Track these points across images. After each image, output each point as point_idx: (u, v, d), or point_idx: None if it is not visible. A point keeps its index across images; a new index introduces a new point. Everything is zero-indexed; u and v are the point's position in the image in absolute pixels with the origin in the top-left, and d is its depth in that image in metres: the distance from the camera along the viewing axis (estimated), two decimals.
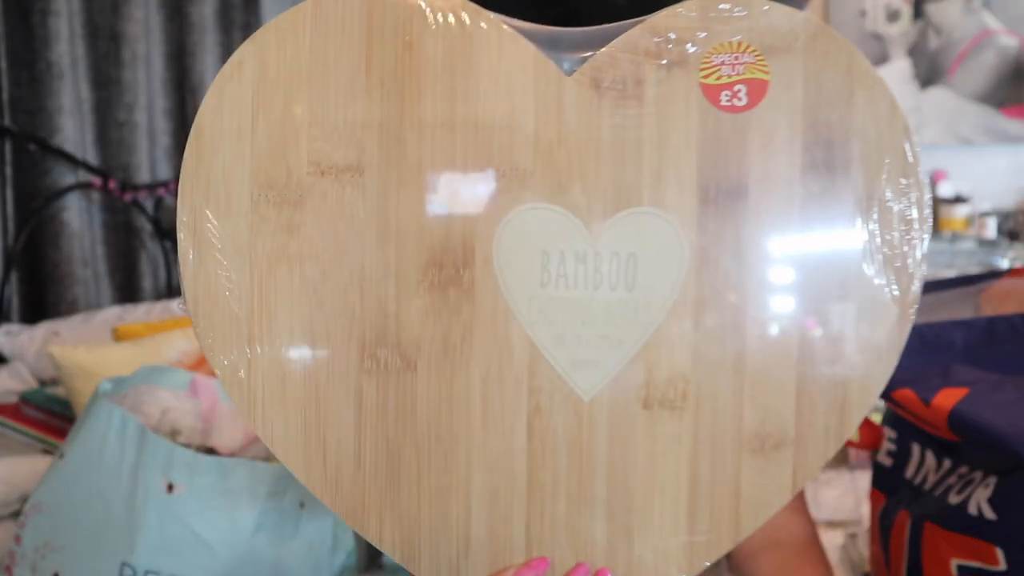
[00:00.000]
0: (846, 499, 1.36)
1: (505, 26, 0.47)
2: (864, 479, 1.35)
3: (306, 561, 0.95)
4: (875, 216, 0.46)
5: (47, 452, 1.36)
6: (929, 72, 2.97)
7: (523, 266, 0.47)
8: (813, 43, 0.46)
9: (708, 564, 0.48)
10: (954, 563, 0.68)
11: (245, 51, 0.46)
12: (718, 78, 0.46)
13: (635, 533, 0.47)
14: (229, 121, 0.46)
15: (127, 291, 2.18)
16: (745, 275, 0.47)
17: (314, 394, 0.47)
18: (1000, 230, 2.90)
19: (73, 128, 1.98)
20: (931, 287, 0.88)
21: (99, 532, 0.87)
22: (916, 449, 0.78)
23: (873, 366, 0.47)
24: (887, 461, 0.82)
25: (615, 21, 0.47)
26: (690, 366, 0.47)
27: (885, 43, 3.00)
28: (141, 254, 2.20)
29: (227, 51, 2.46)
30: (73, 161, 1.96)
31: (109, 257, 2.15)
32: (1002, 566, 0.65)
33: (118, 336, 1.58)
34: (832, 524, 1.26)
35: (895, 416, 0.81)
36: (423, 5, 0.46)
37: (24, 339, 1.69)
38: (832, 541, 1.17)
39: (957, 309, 0.84)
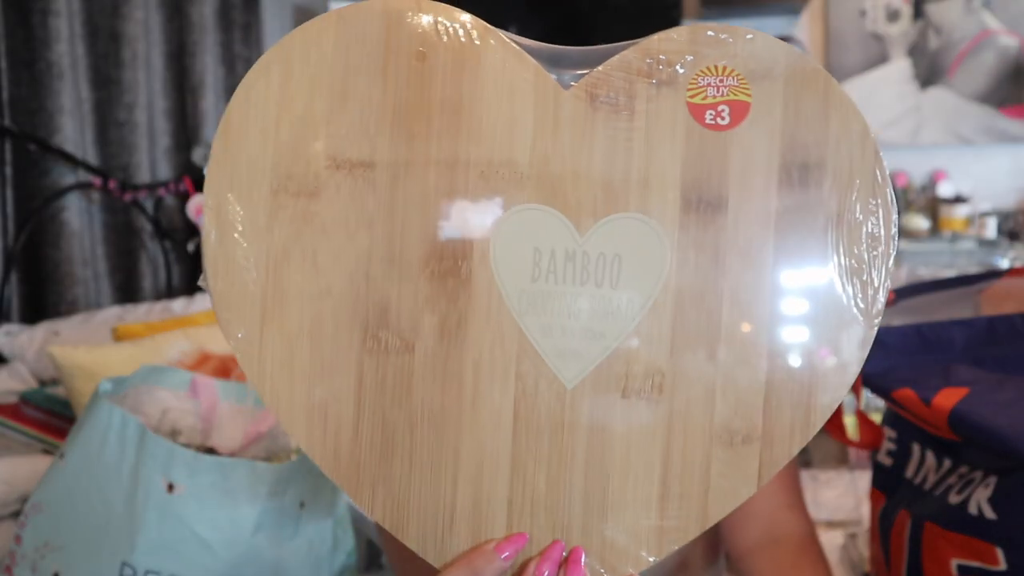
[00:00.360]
0: (846, 499, 1.36)
1: (511, 43, 0.51)
2: (864, 479, 1.35)
3: (306, 561, 0.95)
4: (844, 232, 0.50)
5: (47, 452, 1.37)
6: (929, 72, 2.97)
7: (516, 261, 0.50)
8: (792, 70, 0.50)
9: (676, 547, 0.51)
10: (954, 563, 0.68)
11: (272, 55, 0.50)
12: (704, 98, 0.50)
13: (609, 515, 0.51)
14: (255, 117, 0.50)
15: (127, 291, 2.18)
16: (721, 280, 0.50)
17: (319, 369, 0.50)
18: (1000, 230, 2.90)
19: (73, 128, 1.98)
20: (931, 287, 0.88)
21: (99, 532, 0.87)
22: (916, 449, 0.78)
23: (837, 370, 0.50)
24: (887, 461, 0.82)
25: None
26: (667, 362, 0.50)
27: (885, 43, 3.00)
28: (141, 254, 2.20)
29: (227, 51, 2.46)
30: (73, 161, 1.96)
31: (109, 257, 2.15)
32: (1002, 566, 0.65)
33: (118, 336, 1.58)
34: (832, 524, 1.26)
35: (895, 416, 0.81)
36: (436, 22, 0.50)
37: (24, 339, 1.69)
38: (832, 541, 1.17)
39: (957, 309, 0.84)
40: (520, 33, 0.52)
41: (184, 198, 2.25)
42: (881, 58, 3.00)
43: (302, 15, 2.88)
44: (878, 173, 0.50)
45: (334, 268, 0.50)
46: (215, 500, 0.89)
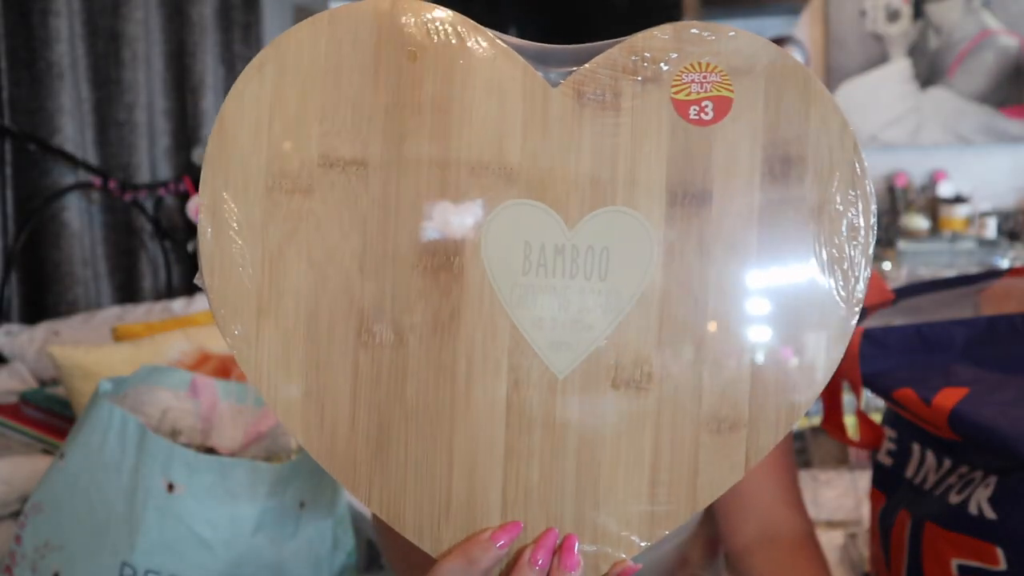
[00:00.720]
0: (846, 499, 1.36)
1: (499, 42, 0.52)
2: (864, 479, 1.35)
3: (306, 561, 0.95)
4: (826, 223, 0.51)
5: (47, 452, 1.37)
6: (929, 72, 2.97)
7: (507, 255, 0.51)
8: (773, 66, 0.52)
9: (666, 532, 0.52)
10: (954, 563, 0.68)
11: (267, 54, 0.51)
12: (688, 94, 0.51)
13: (601, 502, 0.52)
14: (249, 116, 0.51)
15: (127, 291, 2.18)
16: (707, 271, 0.52)
17: (315, 364, 0.51)
18: (1000, 230, 2.90)
19: (73, 128, 1.98)
20: (931, 287, 0.88)
21: (99, 532, 0.87)
22: (916, 449, 0.78)
23: (820, 358, 0.52)
24: (887, 461, 0.82)
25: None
26: (655, 352, 0.52)
27: (885, 43, 3.00)
28: (141, 254, 2.20)
29: (227, 51, 2.46)
30: (73, 161, 1.96)
31: (109, 257, 2.15)
32: (1002, 566, 0.65)
33: (118, 336, 1.58)
34: (832, 524, 1.26)
35: (895, 416, 0.81)
36: (427, 23, 0.51)
37: (24, 339, 1.69)
38: (832, 541, 1.17)
39: (957, 309, 0.84)
40: (519, 35, 0.53)
41: (184, 198, 2.25)
42: (881, 58, 3.00)
43: (302, 15, 2.88)
44: (857, 165, 0.51)
45: (328, 264, 0.51)
46: (215, 500, 0.89)
